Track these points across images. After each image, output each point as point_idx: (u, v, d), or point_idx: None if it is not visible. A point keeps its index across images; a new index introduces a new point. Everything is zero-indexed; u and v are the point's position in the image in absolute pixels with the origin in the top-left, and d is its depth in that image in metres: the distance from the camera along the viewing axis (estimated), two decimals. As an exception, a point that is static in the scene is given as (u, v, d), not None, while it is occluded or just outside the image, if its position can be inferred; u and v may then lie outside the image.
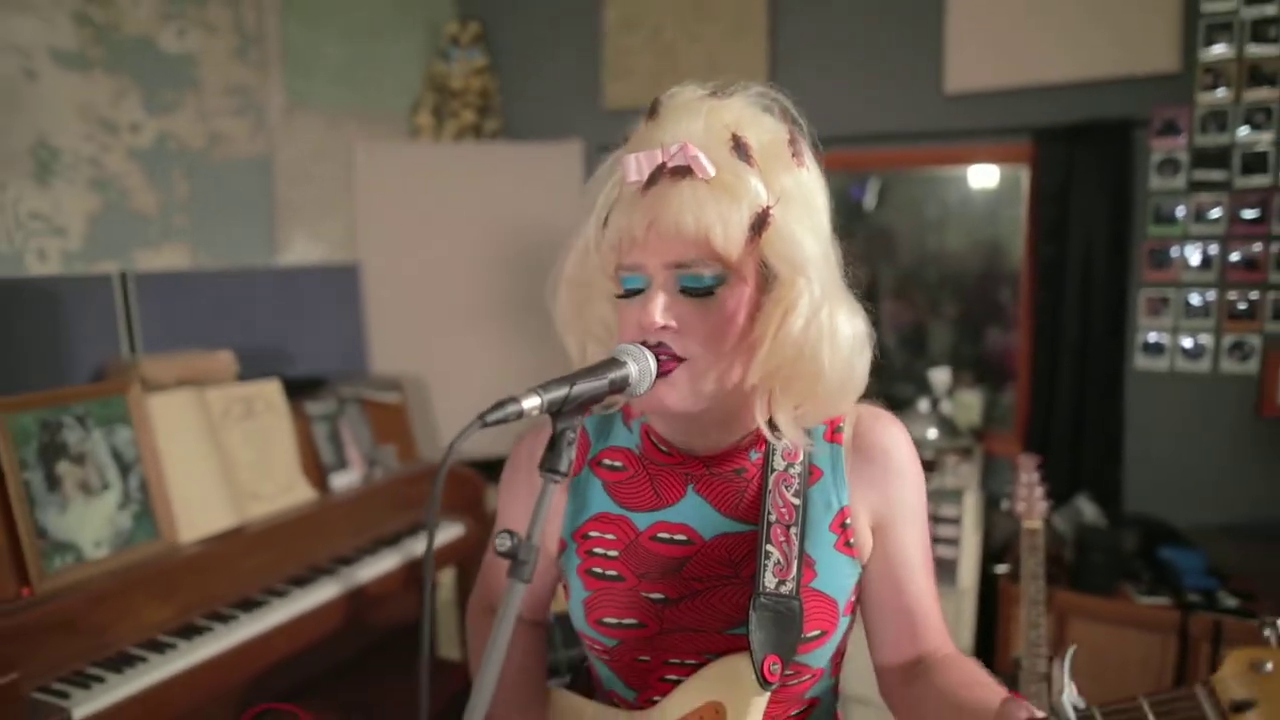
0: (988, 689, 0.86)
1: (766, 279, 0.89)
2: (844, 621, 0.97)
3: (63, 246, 2.37)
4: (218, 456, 2.23)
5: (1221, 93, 2.55)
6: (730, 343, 0.88)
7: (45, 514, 1.84)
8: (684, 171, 0.84)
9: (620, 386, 0.82)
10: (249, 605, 2.09)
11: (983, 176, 3.21)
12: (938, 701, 0.90)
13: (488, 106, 3.60)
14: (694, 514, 0.98)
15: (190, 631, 1.95)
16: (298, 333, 2.81)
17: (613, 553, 0.99)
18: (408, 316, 3.31)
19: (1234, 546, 2.58)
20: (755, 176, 0.86)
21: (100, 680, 1.73)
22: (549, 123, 3.62)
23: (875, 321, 0.96)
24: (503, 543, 0.69)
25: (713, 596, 0.95)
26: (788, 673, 0.92)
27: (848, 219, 0.89)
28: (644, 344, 0.86)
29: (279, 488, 2.36)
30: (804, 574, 0.94)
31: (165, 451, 2.10)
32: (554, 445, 0.75)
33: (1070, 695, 0.71)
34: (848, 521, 0.97)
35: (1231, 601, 2.33)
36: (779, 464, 0.97)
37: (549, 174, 3.46)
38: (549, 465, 0.74)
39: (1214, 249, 2.62)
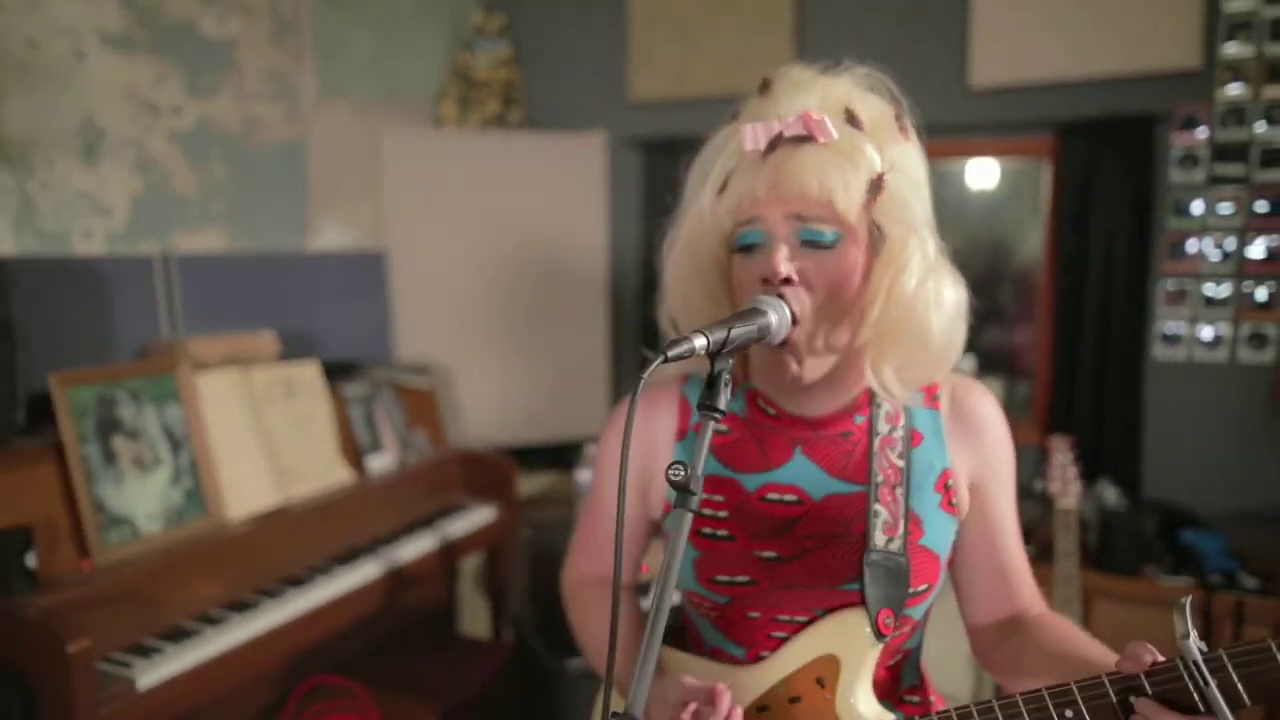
0: (1092, 644, 0.91)
1: (876, 243, 0.95)
2: (943, 575, 1.03)
3: (108, 227, 2.38)
4: (261, 436, 2.24)
5: (1241, 89, 2.62)
6: (846, 299, 0.94)
7: (103, 488, 1.86)
8: (803, 139, 0.92)
9: (765, 333, 0.87)
10: (295, 582, 2.11)
11: (987, 175, 3.25)
12: (1040, 655, 0.93)
13: (512, 97, 3.62)
14: (803, 475, 1.02)
15: (242, 606, 1.98)
16: (326, 317, 2.82)
17: (722, 513, 1.02)
18: (431, 304, 3.33)
19: (1250, 530, 2.65)
20: (870, 144, 0.93)
21: (159, 651, 1.75)
22: (573, 114, 3.66)
23: None
24: (677, 473, 0.73)
25: (824, 554, 0.99)
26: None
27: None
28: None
29: (320, 468, 2.38)
30: (911, 531, 0.99)
31: (212, 429, 2.12)
32: (712, 385, 0.79)
33: (1195, 640, 0.75)
34: (950, 482, 1.03)
35: (1252, 582, 2.40)
36: (883, 428, 1.02)
37: (571, 165, 3.49)
38: (708, 402, 0.78)
39: (1231, 242, 2.69)
